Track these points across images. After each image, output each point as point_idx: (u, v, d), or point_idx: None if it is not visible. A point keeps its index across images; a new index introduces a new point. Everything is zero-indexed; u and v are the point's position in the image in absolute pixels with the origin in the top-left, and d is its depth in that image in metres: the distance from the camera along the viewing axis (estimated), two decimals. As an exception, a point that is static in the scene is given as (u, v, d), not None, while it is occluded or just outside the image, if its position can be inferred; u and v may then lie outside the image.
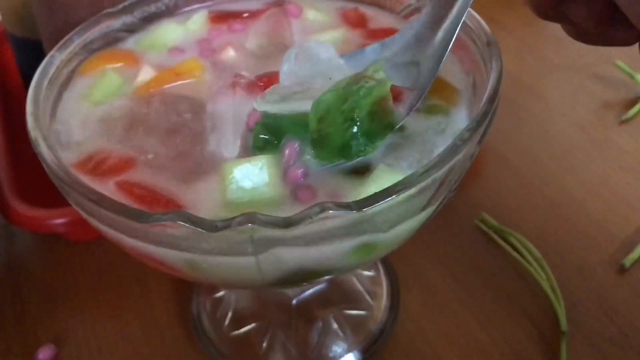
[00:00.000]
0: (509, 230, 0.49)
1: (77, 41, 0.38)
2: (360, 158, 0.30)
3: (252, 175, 0.29)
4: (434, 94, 0.34)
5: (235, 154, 0.32)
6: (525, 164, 0.56)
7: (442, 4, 0.33)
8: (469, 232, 0.50)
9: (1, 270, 0.51)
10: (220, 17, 0.43)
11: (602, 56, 0.67)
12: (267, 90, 0.33)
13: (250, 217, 0.24)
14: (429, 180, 0.26)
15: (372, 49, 0.36)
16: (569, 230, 0.50)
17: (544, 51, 0.70)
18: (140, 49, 0.41)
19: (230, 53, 0.40)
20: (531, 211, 0.52)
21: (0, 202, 0.48)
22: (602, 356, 0.42)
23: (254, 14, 0.43)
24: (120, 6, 0.41)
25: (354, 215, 0.25)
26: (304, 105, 0.31)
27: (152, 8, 0.42)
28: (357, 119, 0.29)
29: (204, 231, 0.24)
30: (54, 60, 0.36)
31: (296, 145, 0.30)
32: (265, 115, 0.32)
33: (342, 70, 0.33)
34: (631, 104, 0.61)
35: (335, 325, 0.44)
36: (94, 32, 0.39)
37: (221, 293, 0.47)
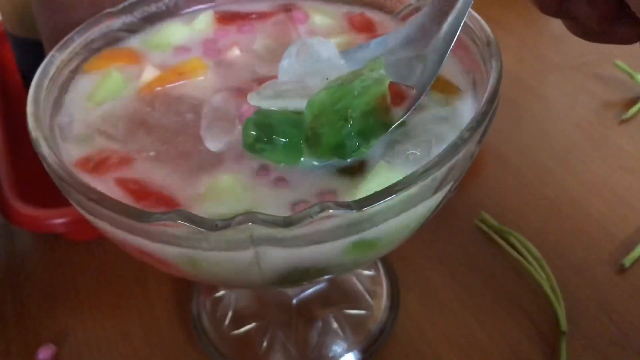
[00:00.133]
0: (509, 230, 0.49)
1: (77, 41, 0.38)
2: (354, 158, 0.30)
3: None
4: (436, 90, 0.34)
5: (218, 149, 0.32)
6: (525, 164, 0.56)
7: None
8: (469, 232, 0.50)
9: (1, 270, 0.51)
10: (227, 18, 0.43)
11: (602, 56, 0.66)
12: (262, 85, 0.33)
13: (250, 217, 0.24)
14: (429, 180, 0.26)
15: (377, 43, 0.36)
16: (569, 230, 0.50)
17: (544, 51, 0.70)
18: (145, 49, 0.41)
19: (235, 53, 0.40)
20: (531, 211, 0.52)
21: (0, 202, 0.48)
22: (602, 356, 0.42)
23: (261, 16, 0.43)
24: (121, 6, 0.41)
25: (353, 214, 0.25)
26: (298, 103, 0.31)
27: (153, 8, 0.42)
28: (351, 118, 0.29)
29: (204, 230, 0.24)
30: (54, 60, 0.36)
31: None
32: (258, 111, 0.32)
33: (341, 71, 0.33)
34: (631, 103, 0.61)
35: (335, 325, 0.44)
36: (94, 32, 0.39)
37: (221, 293, 0.47)
